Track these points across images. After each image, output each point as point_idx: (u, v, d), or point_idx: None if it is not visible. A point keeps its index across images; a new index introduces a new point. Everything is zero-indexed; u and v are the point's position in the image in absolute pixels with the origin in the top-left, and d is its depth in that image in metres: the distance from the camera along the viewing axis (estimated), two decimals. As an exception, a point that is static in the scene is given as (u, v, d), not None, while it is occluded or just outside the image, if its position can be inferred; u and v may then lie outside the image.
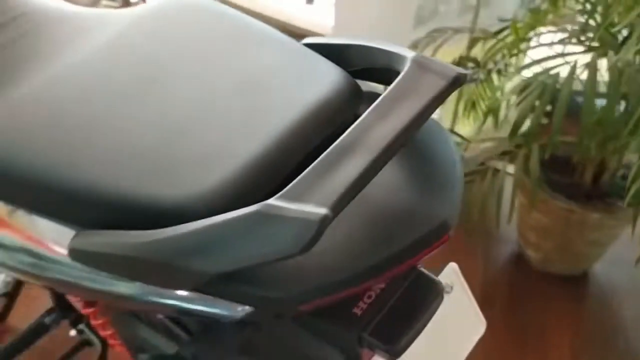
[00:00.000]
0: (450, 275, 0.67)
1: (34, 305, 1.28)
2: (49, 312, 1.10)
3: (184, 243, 0.42)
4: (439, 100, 0.46)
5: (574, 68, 0.96)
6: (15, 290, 1.35)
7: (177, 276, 0.42)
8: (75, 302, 0.93)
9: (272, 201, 0.39)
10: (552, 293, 1.58)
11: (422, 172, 0.51)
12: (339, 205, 0.38)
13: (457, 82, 0.47)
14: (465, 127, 1.67)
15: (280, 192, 0.40)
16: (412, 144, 0.54)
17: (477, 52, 1.48)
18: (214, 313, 0.45)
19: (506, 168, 1.38)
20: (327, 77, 0.55)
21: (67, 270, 0.54)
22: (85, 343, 1.12)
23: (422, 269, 0.59)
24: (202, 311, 0.46)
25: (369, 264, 0.44)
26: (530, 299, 1.57)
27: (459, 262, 1.44)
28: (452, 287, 0.68)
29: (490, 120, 1.37)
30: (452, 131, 1.58)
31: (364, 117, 0.44)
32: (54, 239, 0.56)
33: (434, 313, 0.57)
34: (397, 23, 1.51)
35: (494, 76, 1.33)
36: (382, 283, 0.52)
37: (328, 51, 0.61)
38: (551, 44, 1.14)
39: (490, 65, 1.33)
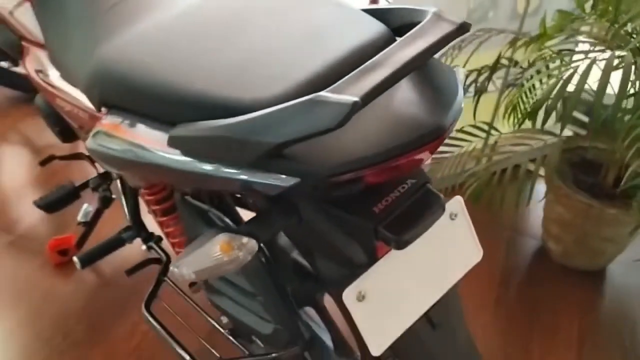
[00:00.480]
0: (456, 205, 0.84)
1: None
2: (125, 229, 1.32)
3: (259, 122, 0.60)
4: (447, 38, 0.64)
5: (591, 64, 1.10)
6: (93, 220, 1.58)
7: (250, 148, 0.60)
8: (148, 199, 1.11)
9: (321, 93, 0.57)
10: (568, 283, 1.70)
11: (432, 93, 0.68)
12: (366, 98, 0.56)
13: (462, 29, 0.65)
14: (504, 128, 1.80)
15: (327, 89, 0.58)
16: (427, 74, 0.71)
17: (519, 56, 1.62)
18: (270, 184, 0.63)
19: (539, 170, 1.51)
20: (371, 26, 0.75)
21: (161, 156, 0.73)
22: (150, 262, 1.34)
23: (430, 187, 0.76)
24: (262, 183, 0.63)
25: (383, 150, 0.61)
26: (546, 286, 1.70)
27: (485, 250, 1.65)
28: (456, 215, 0.84)
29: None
30: (490, 125, 1.72)
31: (391, 46, 0.62)
32: (156, 135, 0.76)
33: (435, 219, 0.74)
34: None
35: (534, 79, 1.47)
36: (393, 175, 0.68)
37: (375, 14, 0.80)
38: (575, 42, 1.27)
39: (530, 69, 1.47)
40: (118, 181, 1.38)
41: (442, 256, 0.84)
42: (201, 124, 0.67)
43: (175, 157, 0.72)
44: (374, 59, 0.61)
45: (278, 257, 1.09)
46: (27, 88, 2.21)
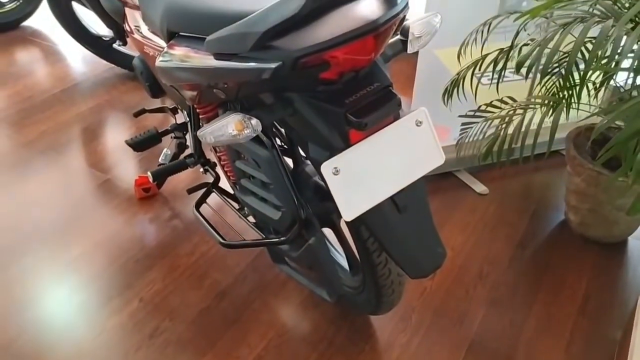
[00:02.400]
0: (421, 114, 1.07)
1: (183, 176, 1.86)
2: (189, 156, 1.65)
3: (251, 19, 0.89)
4: None
5: (586, 29, 1.27)
6: (171, 162, 1.93)
7: (247, 38, 0.89)
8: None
9: None
10: (584, 250, 1.83)
11: (380, 3, 0.94)
12: None
13: None
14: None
15: None
16: None
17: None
18: (262, 67, 0.90)
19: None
20: None
21: (199, 60, 1.04)
22: (205, 185, 1.66)
23: (391, 89, 1.01)
24: (256, 67, 0.91)
25: (336, 36, 0.87)
26: (561, 250, 1.83)
27: (508, 217, 1.85)
28: (421, 122, 1.08)
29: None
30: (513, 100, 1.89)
31: None
32: (197, 47, 1.07)
33: (390, 111, 0.99)
34: (481, 13, 1.86)
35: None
36: (350, 62, 0.94)
37: None
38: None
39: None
40: (188, 122, 1.72)
41: (408, 153, 1.07)
42: (220, 30, 0.97)
43: (208, 59, 1.02)
44: None
45: (303, 179, 1.36)
46: (130, 65, 2.66)
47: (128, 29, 1.61)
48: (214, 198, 1.62)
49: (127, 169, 2.15)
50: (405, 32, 1.10)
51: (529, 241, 1.88)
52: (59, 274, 1.71)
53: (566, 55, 1.57)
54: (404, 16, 0.97)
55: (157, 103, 2.07)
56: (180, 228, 1.89)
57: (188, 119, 1.73)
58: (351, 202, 1.03)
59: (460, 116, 1.97)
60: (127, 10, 1.59)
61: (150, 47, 1.46)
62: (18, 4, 3.06)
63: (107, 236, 1.84)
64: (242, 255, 1.77)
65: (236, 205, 1.57)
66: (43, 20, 3.12)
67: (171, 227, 1.90)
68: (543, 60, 1.38)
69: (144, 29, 1.49)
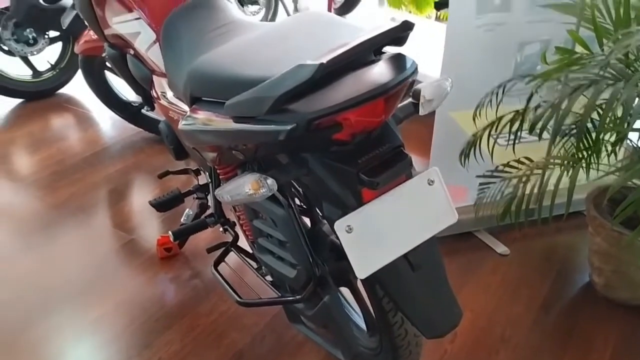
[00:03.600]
0: (433, 174, 1.09)
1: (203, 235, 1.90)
2: (209, 215, 1.69)
3: (267, 84, 0.94)
4: (391, 31, 0.95)
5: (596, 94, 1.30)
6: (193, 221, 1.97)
7: (263, 102, 0.94)
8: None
9: (306, 61, 0.90)
10: (609, 313, 1.78)
11: (388, 69, 0.98)
12: (330, 62, 0.88)
13: (403, 26, 0.95)
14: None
15: (310, 59, 0.91)
16: (389, 61, 1.01)
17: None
18: (277, 129, 0.95)
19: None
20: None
21: (219, 124, 1.09)
22: (224, 244, 1.69)
23: (402, 149, 1.04)
24: (272, 129, 0.95)
25: (347, 99, 0.91)
26: (586, 314, 1.79)
27: (531, 277, 1.83)
28: (433, 181, 1.10)
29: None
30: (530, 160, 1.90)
31: (353, 35, 0.95)
32: (217, 111, 1.12)
33: (401, 171, 1.02)
34: (497, 77, 1.90)
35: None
36: (362, 123, 0.97)
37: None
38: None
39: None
40: (210, 184, 1.77)
41: (421, 212, 1.09)
42: (238, 95, 1.02)
43: (227, 122, 1.07)
44: (344, 42, 0.93)
45: (320, 238, 1.38)
46: (157, 130, 2.76)
47: (155, 95, 1.70)
48: (233, 257, 1.64)
49: (151, 229, 2.20)
50: (416, 95, 1.14)
51: (553, 303, 1.84)
52: (81, 334, 1.73)
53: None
54: (414, 80, 1.02)
55: (181, 165, 2.13)
56: (200, 287, 1.91)
57: (209, 180, 1.79)
58: (364, 260, 1.04)
59: (477, 176, 1.98)
60: (155, 78, 1.68)
61: (175, 111, 1.53)
62: (54, 73, 3.24)
63: (128, 296, 1.87)
64: (260, 315, 1.77)
65: (254, 264, 1.59)
66: (78, 88, 3.29)
67: (191, 286, 1.91)
68: (552, 122, 1.41)
69: (170, 94, 1.57)
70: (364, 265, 1.04)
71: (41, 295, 1.86)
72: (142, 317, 1.78)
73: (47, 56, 3.23)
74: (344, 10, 3.44)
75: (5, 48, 3.09)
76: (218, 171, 1.41)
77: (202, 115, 1.18)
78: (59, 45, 3.24)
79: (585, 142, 1.73)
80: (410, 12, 4.23)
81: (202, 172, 1.96)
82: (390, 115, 1.03)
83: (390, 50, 1.06)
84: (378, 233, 1.05)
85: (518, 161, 1.87)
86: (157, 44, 1.59)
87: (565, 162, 1.69)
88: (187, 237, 1.92)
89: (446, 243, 2.08)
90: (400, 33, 0.97)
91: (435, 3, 2.89)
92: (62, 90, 3.33)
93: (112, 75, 2.66)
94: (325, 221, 1.40)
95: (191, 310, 1.81)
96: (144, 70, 1.72)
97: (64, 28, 2.23)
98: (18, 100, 3.21)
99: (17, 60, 3.14)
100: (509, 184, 1.79)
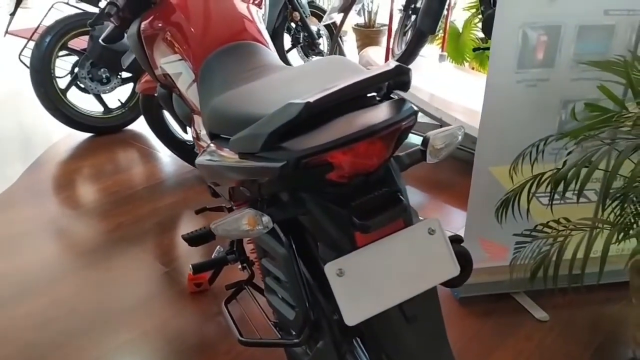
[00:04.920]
0: (434, 223, 1.06)
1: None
2: (229, 252, 1.72)
3: (261, 122, 0.96)
4: (384, 75, 0.96)
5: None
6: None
7: (257, 139, 0.96)
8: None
9: (293, 100, 0.92)
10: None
11: (384, 112, 0.97)
12: (317, 102, 0.89)
13: (397, 69, 0.95)
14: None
15: (299, 98, 0.92)
16: (387, 106, 1.00)
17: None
18: (269, 166, 0.96)
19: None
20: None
21: (226, 159, 1.12)
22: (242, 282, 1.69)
23: (399, 195, 1.02)
24: (265, 166, 0.97)
25: (336, 139, 0.91)
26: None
27: (571, 351, 1.72)
28: (434, 231, 1.06)
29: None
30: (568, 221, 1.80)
31: (346, 77, 0.95)
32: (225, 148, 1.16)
33: (395, 216, 0.99)
34: (539, 133, 1.84)
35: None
36: (353, 164, 0.96)
37: None
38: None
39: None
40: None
41: (419, 262, 1.06)
42: (242, 131, 1.05)
43: (233, 158, 1.10)
44: (335, 83, 0.94)
45: (323, 279, 1.37)
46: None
47: (194, 134, 1.77)
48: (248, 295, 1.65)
49: (187, 263, 2.25)
50: (425, 143, 1.12)
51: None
52: (104, 357, 1.77)
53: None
54: (411, 125, 1.01)
55: (219, 202, 2.18)
56: (223, 325, 1.91)
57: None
58: (354, 307, 1.01)
59: (515, 235, 1.90)
60: (194, 117, 1.76)
61: (206, 149, 1.59)
62: (123, 111, 3.46)
63: (156, 325, 1.91)
64: (276, 356, 1.74)
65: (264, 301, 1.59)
66: (144, 126, 3.48)
67: (215, 323, 1.93)
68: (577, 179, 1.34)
69: (203, 132, 1.63)
70: (353, 312, 1.01)
71: (74, 317, 1.94)
72: (166, 349, 1.81)
73: (118, 95, 3.47)
74: (402, 62, 3.46)
75: (82, 85, 3.34)
76: (233, 207, 1.43)
77: (215, 150, 1.22)
78: (129, 86, 3.47)
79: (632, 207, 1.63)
80: (472, 68, 4.22)
81: (234, 209, 2.00)
82: (384, 159, 1.02)
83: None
84: (371, 279, 1.02)
85: (557, 221, 1.78)
86: (195, 84, 1.67)
87: (609, 225, 1.59)
88: (205, 271, 1.95)
89: (481, 303, 1.99)
90: (393, 77, 0.97)
91: (474, 49, 2.84)
92: (129, 127, 3.53)
93: (168, 114, 2.80)
94: None
95: (211, 347, 1.82)
96: (186, 109, 1.81)
97: (124, 68, 2.39)
98: (87, 135, 3.44)
99: (91, 97, 3.39)
100: (544, 244, 1.70)
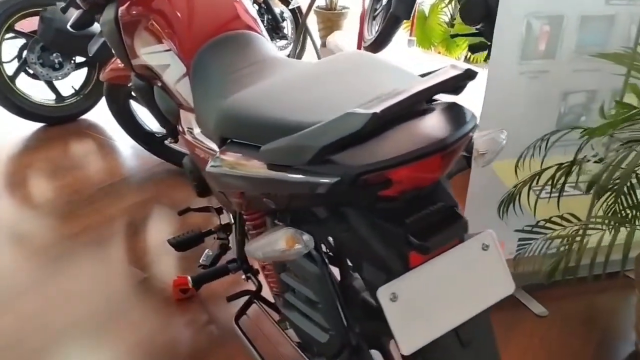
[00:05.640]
0: (488, 237, 0.97)
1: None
2: (231, 261, 1.58)
3: (311, 132, 0.84)
4: (453, 79, 0.86)
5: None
6: (212, 264, 1.86)
7: (305, 151, 0.84)
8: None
9: (354, 109, 0.80)
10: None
11: (447, 122, 0.87)
12: (384, 112, 0.77)
13: (467, 74, 0.85)
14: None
15: (359, 106, 0.81)
16: (446, 112, 0.91)
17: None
18: (319, 181, 0.84)
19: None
20: (412, 79, 1.01)
21: (252, 170, 0.99)
22: (245, 293, 1.57)
23: (456, 209, 0.93)
24: (313, 181, 0.85)
25: (400, 154, 0.80)
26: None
27: (574, 346, 1.66)
28: (488, 246, 0.98)
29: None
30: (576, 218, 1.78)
31: (409, 83, 0.85)
32: (250, 156, 1.03)
33: (455, 234, 0.90)
34: (538, 127, 1.80)
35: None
36: (414, 181, 0.86)
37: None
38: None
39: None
40: (233, 225, 1.67)
41: (473, 281, 0.97)
42: (277, 140, 0.93)
43: (261, 169, 0.97)
44: (396, 90, 0.83)
45: (350, 295, 1.27)
46: (181, 163, 2.68)
47: (181, 130, 1.62)
48: (254, 307, 1.53)
49: (167, 267, 2.10)
50: (469, 148, 1.03)
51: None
52: (86, 380, 1.62)
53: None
54: (472, 134, 0.91)
55: (202, 202, 2.04)
56: (216, 335, 1.79)
57: (232, 221, 1.69)
58: (410, 334, 0.92)
59: (517, 230, 1.86)
60: (182, 112, 1.60)
61: (202, 149, 1.44)
62: (78, 99, 3.20)
63: (141, 339, 1.75)
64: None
65: (276, 316, 1.48)
66: (100, 114, 3.24)
67: (207, 333, 1.79)
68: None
69: (197, 131, 1.48)
70: (409, 340, 0.92)
71: (47, 334, 1.76)
72: (153, 365, 1.67)
73: (71, 81, 3.20)
74: (372, 49, 3.37)
75: (31, 71, 3.06)
76: (244, 216, 1.30)
77: (232, 158, 1.08)
78: (84, 71, 3.21)
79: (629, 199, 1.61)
80: (439, 53, 4.18)
81: (224, 211, 1.87)
82: (446, 173, 0.92)
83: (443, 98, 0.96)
84: (426, 303, 0.93)
85: (561, 217, 1.75)
86: (187, 77, 1.52)
87: (610, 222, 1.57)
88: (206, 283, 1.81)
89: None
90: (461, 82, 0.88)
91: (470, 46, 2.81)
92: (84, 117, 3.28)
93: (136, 105, 2.60)
94: (356, 275, 1.28)
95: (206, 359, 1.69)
96: (171, 104, 1.64)
97: (90, 55, 2.19)
98: (39, 125, 3.17)
99: (42, 84, 3.11)
100: (552, 242, 1.67)
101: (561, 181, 1.63)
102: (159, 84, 1.70)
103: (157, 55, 1.59)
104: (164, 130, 2.55)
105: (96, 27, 2.12)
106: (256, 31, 1.60)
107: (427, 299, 0.93)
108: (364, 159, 0.83)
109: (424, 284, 0.94)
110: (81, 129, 3.20)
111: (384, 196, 0.90)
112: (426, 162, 0.83)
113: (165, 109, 1.70)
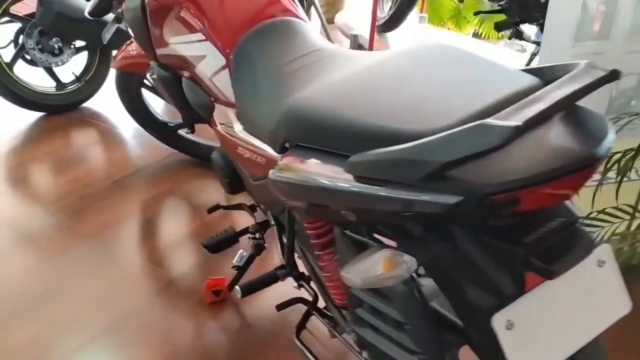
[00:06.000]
0: (604, 252, 0.88)
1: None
2: (280, 267, 1.47)
3: (429, 144, 0.73)
4: (597, 83, 0.75)
5: None
6: (246, 265, 1.75)
7: (418, 167, 0.72)
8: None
9: (486, 120, 0.69)
10: None
11: (584, 131, 0.77)
12: (527, 123, 0.67)
13: (612, 74, 0.74)
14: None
15: (492, 117, 0.70)
16: (579, 118, 0.80)
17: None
18: (436, 202, 0.73)
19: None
20: (523, 78, 0.90)
21: (337, 183, 0.88)
22: (297, 300, 1.47)
23: (579, 225, 0.82)
24: (429, 201, 0.74)
25: (539, 172, 0.70)
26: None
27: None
28: (604, 262, 0.88)
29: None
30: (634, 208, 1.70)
31: (547, 87, 0.74)
32: (332, 165, 0.91)
33: (583, 255, 0.80)
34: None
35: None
36: (546, 201, 0.76)
37: (532, 72, 0.92)
38: None
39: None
40: (275, 227, 1.55)
41: (589, 301, 0.88)
42: (378, 150, 0.81)
43: (350, 182, 0.86)
44: (531, 96, 0.72)
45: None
46: (196, 153, 2.55)
47: (214, 124, 1.49)
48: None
49: (194, 267, 1.98)
50: None
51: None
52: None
53: None
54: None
55: (218, 196, 1.90)
56: (253, 341, 1.69)
57: (273, 222, 1.57)
58: (527, 364, 0.83)
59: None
60: (217, 106, 1.48)
61: (246, 148, 1.32)
62: (79, 85, 3.03)
63: (175, 349, 1.65)
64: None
65: (329, 322, 1.38)
66: (102, 101, 3.08)
67: (243, 340, 1.69)
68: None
69: (238, 127, 1.36)
70: (527, 371, 0.82)
71: (70, 348, 1.64)
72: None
73: (71, 67, 3.03)
74: (387, 27, 3.24)
75: (28, 57, 2.88)
76: (305, 225, 1.19)
77: (306, 167, 0.96)
78: (84, 56, 3.03)
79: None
80: (449, 29, 4.06)
81: (258, 208, 1.75)
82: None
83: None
84: (544, 329, 0.84)
85: (617, 208, 1.66)
86: (226, 70, 1.39)
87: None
88: (231, 279, 1.72)
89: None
90: (606, 84, 0.76)
91: (496, 24, 2.69)
92: (86, 104, 3.11)
93: (148, 93, 2.45)
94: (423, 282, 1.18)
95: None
96: (204, 97, 1.51)
97: (104, 43, 2.04)
98: (39, 114, 3.00)
99: (40, 70, 2.94)
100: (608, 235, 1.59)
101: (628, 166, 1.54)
102: (187, 75, 1.57)
103: (190, 46, 1.46)
104: (176, 120, 2.44)
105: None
106: (297, 16, 1.47)
107: (543, 325, 0.84)
108: (495, 175, 0.72)
109: (539, 308, 0.84)
110: (83, 117, 3.03)
111: (501, 214, 0.79)
112: (565, 181, 0.72)
113: (196, 102, 1.57)
